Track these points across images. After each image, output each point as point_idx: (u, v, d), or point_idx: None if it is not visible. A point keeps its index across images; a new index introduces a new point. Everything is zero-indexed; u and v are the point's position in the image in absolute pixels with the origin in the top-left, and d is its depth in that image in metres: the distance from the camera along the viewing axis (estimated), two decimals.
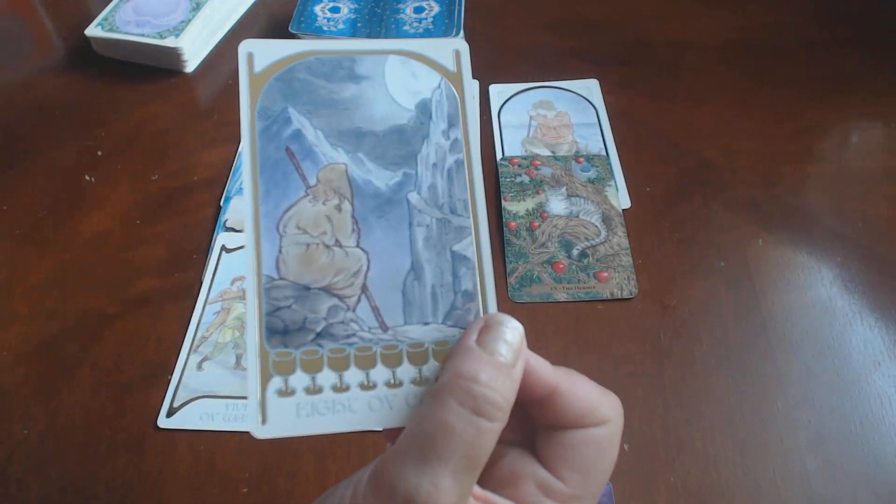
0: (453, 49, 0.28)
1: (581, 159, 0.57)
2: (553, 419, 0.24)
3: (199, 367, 0.45)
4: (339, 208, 0.26)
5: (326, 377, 0.24)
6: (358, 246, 0.26)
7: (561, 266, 0.50)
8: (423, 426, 0.21)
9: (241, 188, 0.55)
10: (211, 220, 0.54)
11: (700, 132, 0.59)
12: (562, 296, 0.48)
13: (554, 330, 0.47)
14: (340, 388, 0.24)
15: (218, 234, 0.52)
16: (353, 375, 0.24)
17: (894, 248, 0.50)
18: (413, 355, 0.25)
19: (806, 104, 0.61)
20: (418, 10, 0.65)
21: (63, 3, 0.76)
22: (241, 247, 0.51)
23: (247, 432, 0.42)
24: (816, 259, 0.50)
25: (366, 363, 0.25)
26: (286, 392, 0.24)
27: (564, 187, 0.54)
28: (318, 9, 0.66)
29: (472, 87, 0.28)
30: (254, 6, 0.74)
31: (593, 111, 0.61)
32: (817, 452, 0.40)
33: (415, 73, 0.28)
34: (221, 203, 0.54)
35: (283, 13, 0.70)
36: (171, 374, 0.44)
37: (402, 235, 0.26)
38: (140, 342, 0.46)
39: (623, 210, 0.53)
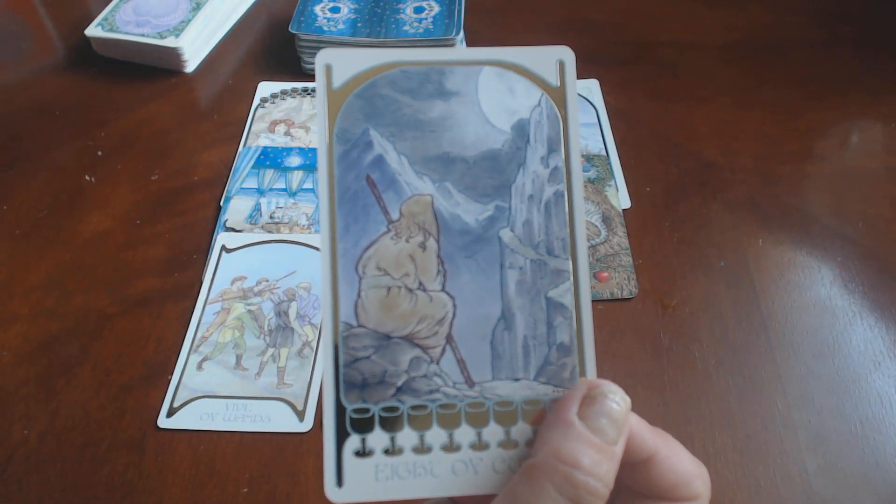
0: (556, 59, 0.24)
1: (581, 159, 0.56)
2: (643, 486, 0.22)
3: (199, 367, 0.45)
4: (423, 246, 0.23)
5: (407, 437, 0.22)
6: (443, 290, 0.23)
7: None
8: None
9: (241, 188, 0.55)
10: (211, 220, 0.54)
11: (700, 132, 0.59)
12: None
13: None
14: (422, 450, 0.22)
15: (218, 234, 0.52)
16: (436, 436, 0.23)
17: (894, 248, 0.50)
18: (500, 415, 0.23)
19: (806, 104, 0.61)
20: (418, 10, 0.65)
21: (63, 3, 0.76)
22: (241, 247, 0.51)
23: (247, 432, 0.42)
24: (816, 259, 0.50)
25: (449, 422, 0.23)
26: (364, 453, 0.22)
27: None
28: (318, 9, 0.66)
29: (576, 105, 0.24)
30: (254, 6, 0.74)
31: (593, 111, 0.61)
32: (817, 452, 0.40)
33: (512, 89, 0.24)
34: (221, 203, 0.54)
35: (283, 13, 0.70)
36: (171, 374, 0.44)
37: (492, 279, 0.23)
38: (140, 342, 0.46)
39: (623, 210, 0.53)
